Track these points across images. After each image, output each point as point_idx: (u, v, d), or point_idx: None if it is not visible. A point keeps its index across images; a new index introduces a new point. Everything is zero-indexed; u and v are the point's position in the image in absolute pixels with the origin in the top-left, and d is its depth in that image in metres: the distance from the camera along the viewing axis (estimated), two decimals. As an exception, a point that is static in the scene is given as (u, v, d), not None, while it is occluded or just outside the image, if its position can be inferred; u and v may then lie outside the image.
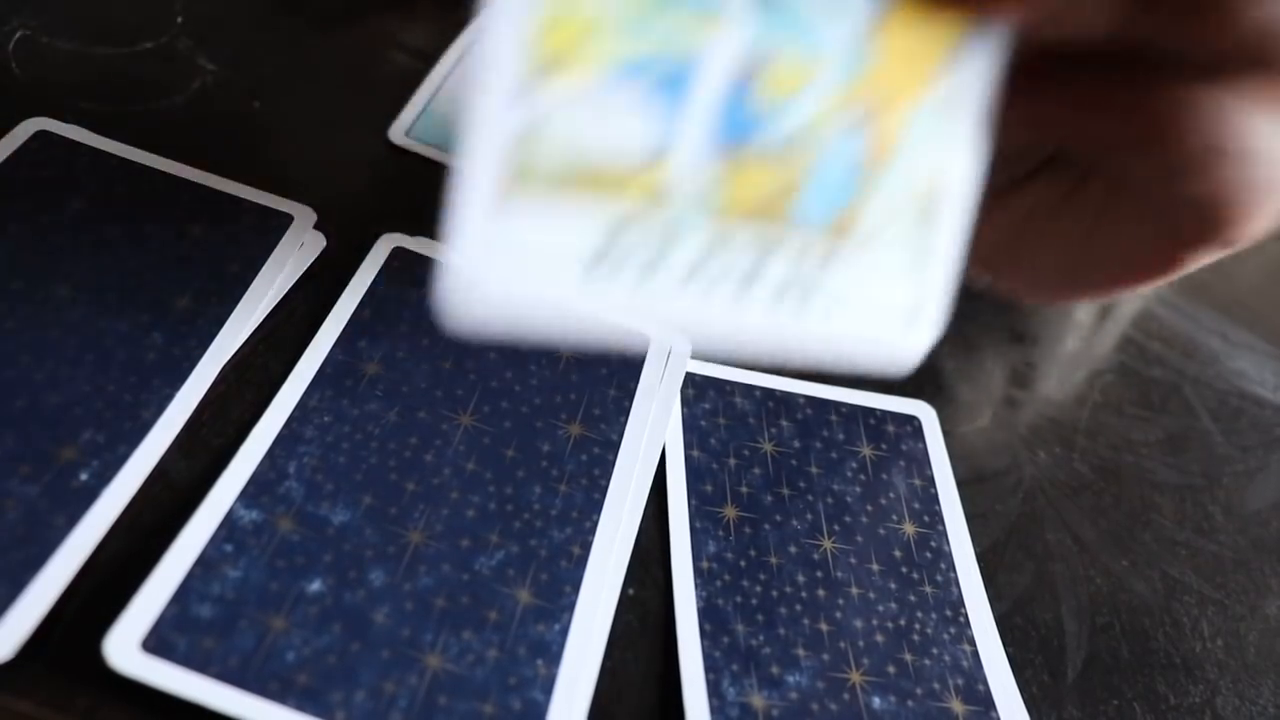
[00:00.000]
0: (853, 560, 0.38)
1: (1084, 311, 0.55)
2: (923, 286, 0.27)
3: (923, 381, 0.46)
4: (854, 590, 0.38)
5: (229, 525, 0.33)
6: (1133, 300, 0.56)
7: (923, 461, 0.43)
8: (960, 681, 0.36)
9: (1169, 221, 0.28)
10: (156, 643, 0.30)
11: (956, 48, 0.26)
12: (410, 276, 0.42)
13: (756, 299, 0.25)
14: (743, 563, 0.37)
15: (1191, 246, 0.29)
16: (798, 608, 0.36)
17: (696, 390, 0.43)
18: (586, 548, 0.36)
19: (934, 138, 0.26)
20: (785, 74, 0.25)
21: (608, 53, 0.23)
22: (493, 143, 0.23)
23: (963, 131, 0.27)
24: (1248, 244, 0.28)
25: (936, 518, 0.41)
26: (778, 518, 0.39)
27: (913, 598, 0.38)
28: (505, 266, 0.23)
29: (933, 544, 0.40)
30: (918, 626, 0.37)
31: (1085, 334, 0.53)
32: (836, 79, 0.25)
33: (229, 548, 0.33)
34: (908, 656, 0.36)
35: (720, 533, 0.38)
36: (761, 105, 0.25)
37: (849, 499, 0.40)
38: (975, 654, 0.37)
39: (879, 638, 0.36)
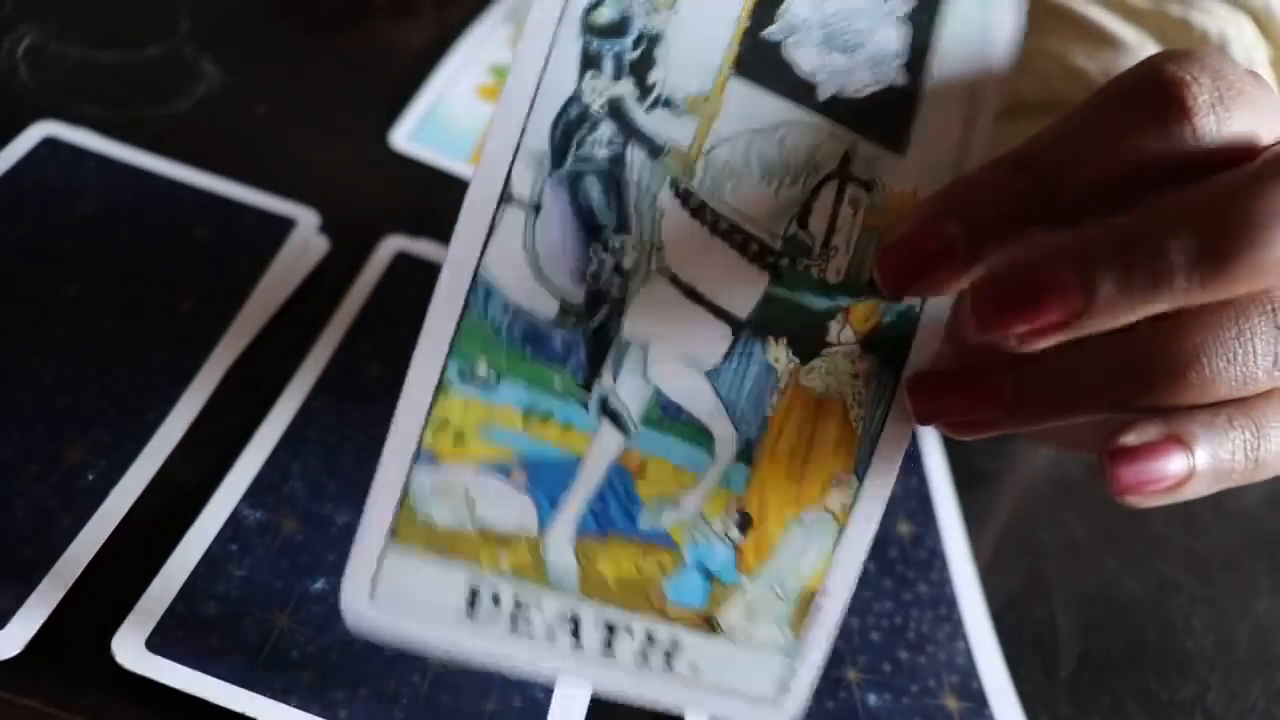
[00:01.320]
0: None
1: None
2: (792, 670, 0.29)
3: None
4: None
5: (234, 524, 0.33)
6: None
7: (917, 461, 0.43)
8: (955, 679, 0.36)
9: None
10: (162, 641, 0.30)
11: (852, 460, 0.28)
12: (412, 278, 0.43)
13: (621, 656, 0.28)
14: (740, 562, 0.38)
15: None
16: (794, 606, 0.37)
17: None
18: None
19: (815, 545, 0.28)
20: (662, 478, 0.27)
21: (478, 455, 0.26)
22: (386, 496, 0.26)
23: (853, 539, 0.29)
24: None
25: (931, 517, 0.41)
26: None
27: (908, 596, 0.38)
28: (389, 605, 0.27)
29: (927, 543, 0.40)
30: (913, 625, 0.37)
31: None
32: (718, 486, 0.28)
33: (234, 547, 0.33)
34: (903, 654, 0.36)
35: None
36: (641, 499, 0.27)
37: (845, 499, 0.41)
38: (969, 651, 0.37)
39: (874, 636, 0.37)
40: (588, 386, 0.26)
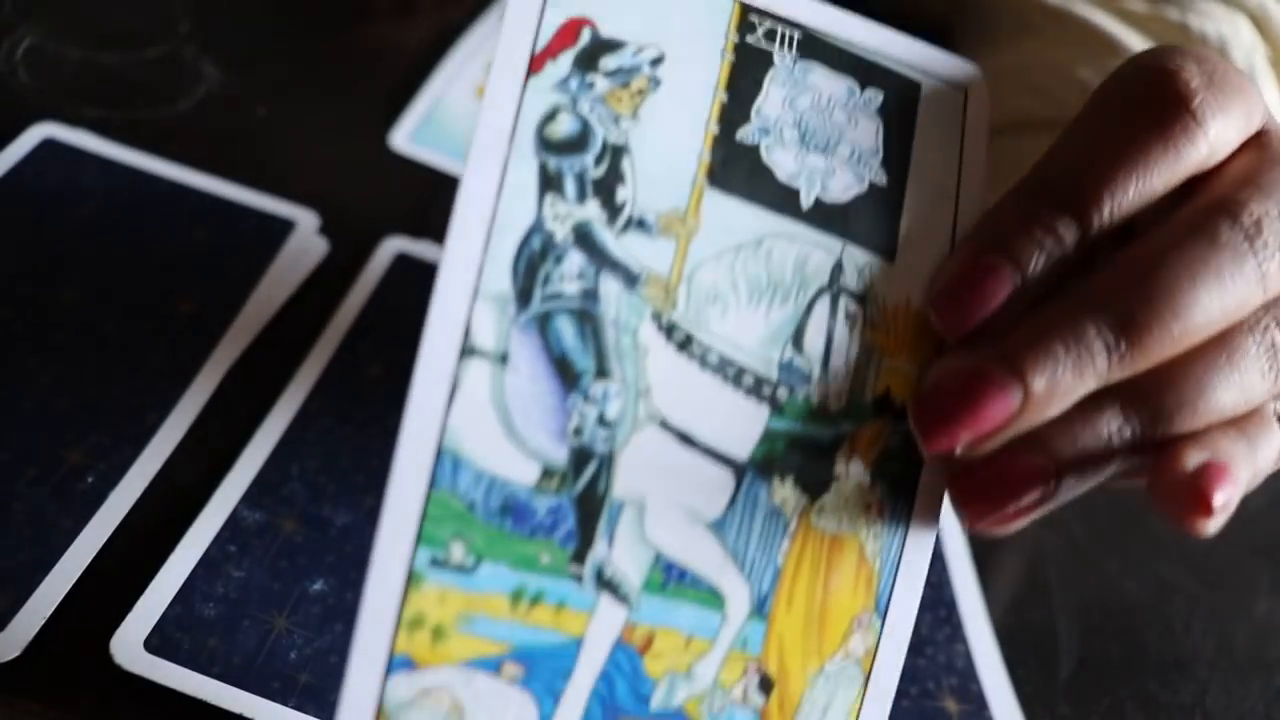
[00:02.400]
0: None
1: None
2: None
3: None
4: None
5: (233, 526, 0.34)
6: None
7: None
8: (954, 681, 0.36)
9: None
10: (161, 642, 0.30)
11: (873, 597, 0.26)
12: (412, 280, 0.43)
13: None
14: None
15: None
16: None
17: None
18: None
19: (841, 697, 0.26)
20: (672, 650, 0.24)
21: (462, 652, 0.22)
22: (357, 715, 0.22)
23: (880, 682, 0.26)
24: None
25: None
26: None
27: (907, 598, 0.38)
28: None
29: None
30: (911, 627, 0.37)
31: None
32: (731, 649, 0.25)
33: (233, 548, 0.33)
34: (902, 656, 0.36)
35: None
36: (651, 678, 0.24)
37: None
38: (969, 654, 0.37)
39: (873, 637, 0.37)
40: (580, 558, 0.23)
